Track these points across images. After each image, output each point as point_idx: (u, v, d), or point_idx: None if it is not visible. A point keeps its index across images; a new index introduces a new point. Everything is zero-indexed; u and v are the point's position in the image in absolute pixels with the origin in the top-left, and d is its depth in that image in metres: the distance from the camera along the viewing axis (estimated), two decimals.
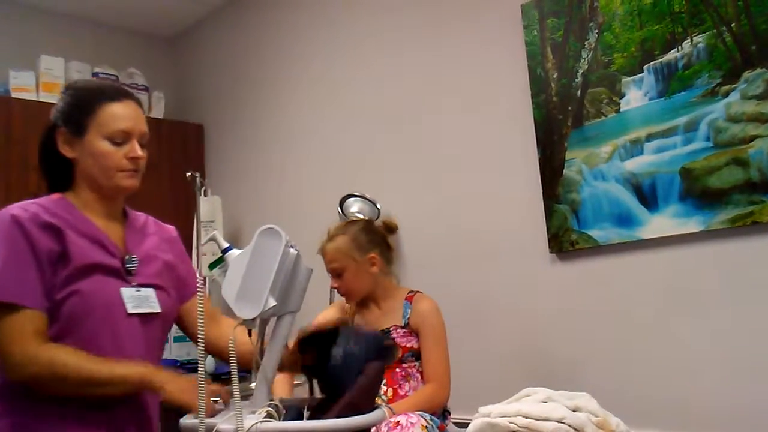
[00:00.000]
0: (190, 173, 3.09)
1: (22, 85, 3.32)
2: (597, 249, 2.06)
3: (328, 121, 3.08)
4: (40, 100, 3.33)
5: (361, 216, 2.45)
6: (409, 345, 1.98)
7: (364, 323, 2.05)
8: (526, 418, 1.51)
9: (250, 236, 1.18)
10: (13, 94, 3.29)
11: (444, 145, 2.56)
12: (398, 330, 2.00)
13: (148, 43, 4.11)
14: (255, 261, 1.14)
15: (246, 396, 1.14)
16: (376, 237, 2.09)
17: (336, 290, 2.08)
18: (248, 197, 3.47)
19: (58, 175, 1.51)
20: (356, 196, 2.66)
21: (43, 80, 3.38)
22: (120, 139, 1.45)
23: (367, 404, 1.18)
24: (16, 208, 1.40)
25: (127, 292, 1.44)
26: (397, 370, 1.96)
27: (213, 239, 1.18)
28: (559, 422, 1.47)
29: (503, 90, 2.36)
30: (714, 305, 1.82)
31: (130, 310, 1.42)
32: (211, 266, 1.09)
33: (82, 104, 1.47)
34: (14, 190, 3.17)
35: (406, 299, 2.05)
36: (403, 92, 2.73)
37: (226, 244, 1.22)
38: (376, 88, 2.85)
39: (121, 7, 3.74)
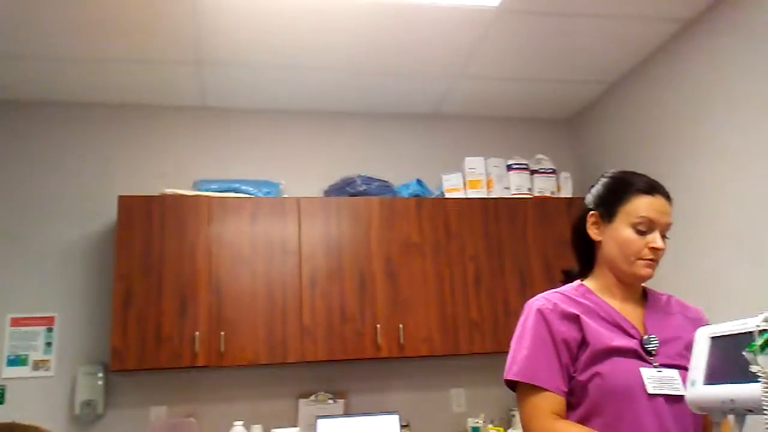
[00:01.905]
0: None
1: (453, 186, 3.85)
2: None
3: (750, 186, 2.87)
4: (468, 197, 3.83)
5: None
6: None
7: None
8: None
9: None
10: (447, 194, 3.83)
11: None
12: None
13: (550, 129, 4.42)
14: None
15: None
16: None
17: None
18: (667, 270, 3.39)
19: (585, 256, 1.67)
20: None
21: (468, 179, 3.87)
22: (644, 228, 1.54)
23: None
24: (541, 299, 1.59)
25: (647, 373, 1.47)
26: None
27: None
28: None
29: None
30: None
31: (651, 391, 1.44)
32: (757, 348, 0.97)
33: (617, 192, 1.60)
34: (457, 277, 3.66)
35: None
36: None
37: None
38: None
39: (523, 98, 4.11)
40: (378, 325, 3.47)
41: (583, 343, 1.51)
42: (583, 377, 1.49)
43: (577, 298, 1.59)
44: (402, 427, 3.45)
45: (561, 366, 1.50)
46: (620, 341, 1.51)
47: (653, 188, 1.57)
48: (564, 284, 1.69)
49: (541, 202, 3.88)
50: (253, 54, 3.38)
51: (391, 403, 3.65)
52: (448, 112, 4.22)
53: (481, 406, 3.77)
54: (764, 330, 1.03)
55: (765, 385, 1.00)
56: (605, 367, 1.47)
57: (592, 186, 1.69)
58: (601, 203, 1.61)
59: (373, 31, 3.20)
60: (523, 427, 1.53)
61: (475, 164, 3.91)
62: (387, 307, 3.53)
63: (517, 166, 3.96)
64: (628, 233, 1.54)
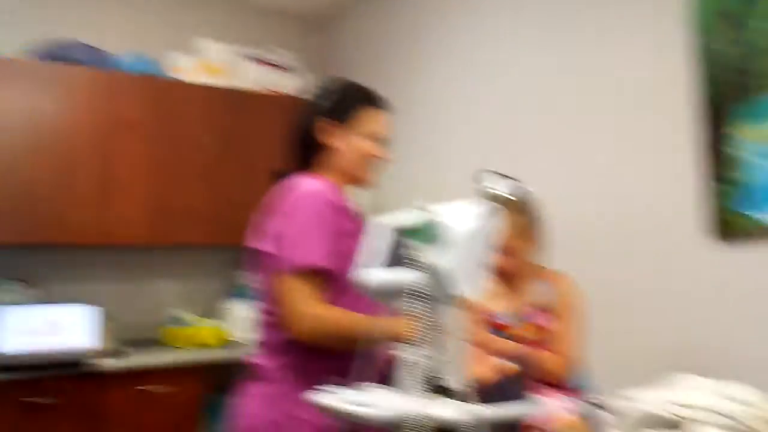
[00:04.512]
0: None
1: (183, 67, 3.54)
2: (764, 232, 1.92)
3: (473, 102, 3.07)
4: (200, 81, 3.56)
5: (510, 195, 2.41)
6: (547, 326, 1.94)
7: (499, 302, 2.03)
8: (683, 406, 1.45)
9: (387, 208, 1.17)
10: (176, 76, 3.52)
11: (591, 123, 2.48)
12: (535, 310, 1.96)
13: (299, 24, 4.25)
14: (477, 238, 1.09)
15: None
16: (540, 217, 2.06)
17: (496, 268, 2.03)
18: (391, 174, 3.53)
19: (306, 158, 1.70)
20: (504, 175, 2.62)
21: (202, 63, 3.60)
22: (377, 138, 1.68)
23: (521, 390, 1.16)
24: (318, 186, 1.59)
25: None
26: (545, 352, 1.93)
27: (429, 208, 1.07)
28: (724, 416, 1.40)
29: (658, 64, 2.24)
30: None
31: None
32: (416, 237, 0.98)
33: (355, 102, 1.69)
34: (180, 165, 3.43)
35: (544, 278, 2.00)
36: (552, 69, 2.67)
37: (442, 216, 1.10)
38: (524, 66, 2.80)
39: None
40: (79, 209, 3.14)
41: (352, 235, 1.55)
42: None
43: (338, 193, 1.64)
44: (104, 319, 3.21)
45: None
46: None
47: (385, 103, 1.72)
48: (275, 184, 1.70)
49: (279, 99, 3.76)
50: None
51: (92, 294, 3.36)
52: None
53: (191, 299, 3.66)
54: (427, 221, 1.05)
55: (422, 270, 1.01)
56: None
57: (323, 91, 1.72)
58: (337, 111, 1.67)
59: None
60: (300, 308, 1.52)
61: (210, 48, 3.64)
62: (92, 190, 3.20)
63: (258, 57, 3.77)
64: (363, 143, 1.66)
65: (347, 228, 1.57)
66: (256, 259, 1.66)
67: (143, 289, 3.62)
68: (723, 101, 2.03)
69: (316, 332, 1.49)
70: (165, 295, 3.65)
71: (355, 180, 1.70)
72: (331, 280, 1.54)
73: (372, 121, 1.69)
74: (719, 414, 1.39)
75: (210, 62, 3.61)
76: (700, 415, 1.40)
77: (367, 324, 1.34)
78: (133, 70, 3.40)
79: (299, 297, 1.50)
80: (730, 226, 2.00)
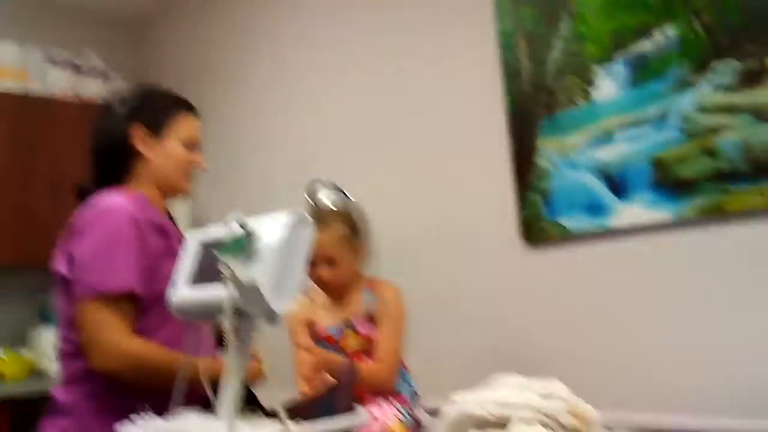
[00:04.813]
0: None
1: None
2: (568, 237, 2.06)
3: (294, 110, 3.04)
4: None
5: (330, 205, 2.40)
6: (372, 335, 1.95)
7: (326, 314, 2.01)
8: (499, 405, 1.50)
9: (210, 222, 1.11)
10: None
11: (413, 132, 2.54)
12: (359, 320, 1.96)
13: (108, 27, 3.98)
14: (288, 250, 1.02)
15: None
16: (364, 226, 2.05)
17: (319, 280, 1.99)
18: (212, 184, 3.40)
19: (112, 168, 1.58)
20: (324, 184, 2.60)
21: None
22: (190, 145, 1.61)
23: (346, 403, 1.14)
24: (123, 202, 1.45)
25: None
26: (364, 360, 1.93)
27: (239, 220, 1.00)
28: (531, 409, 1.46)
29: (475, 79, 2.34)
30: (683, 293, 1.84)
31: None
32: (226, 251, 0.88)
33: (166, 108, 1.60)
34: None
35: (367, 287, 2.01)
36: (370, 79, 2.70)
37: (252, 228, 1.03)
38: (344, 73, 2.82)
39: None
40: None
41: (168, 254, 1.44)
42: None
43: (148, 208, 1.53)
44: None
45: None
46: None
47: (194, 108, 1.65)
48: (79, 200, 1.54)
49: (87, 106, 3.49)
50: None
51: None
52: None
53: None
54: (234, 234, 0.99)
55: (230, 285, 0.95)
56: None
57: (132, 96, 1.62)
58: (149, 117, 1.57)
59: None
60: (102, 338, 1.38)
61: (5, 49, 3.30)
62: None
63: (62, 60, 3.48)
64: (180, 150, 1.59)
65: (159, 246, 1.45)
66: (57, 283, 1.49)
67: None
68: (530, 115, 2.15)
69: (120, 366, 1.36)
70: None
71: (173, 190, 1.62)
72: (146, 306, 1.41)
73: (187, 127, 1.61)
74: (539, 411, 1.45)
75: (6, 65, 3.27)
76: (520, 413, 1.45)
77: (180, 363, 1.21)
78: None
79: (102, 326, 1.36)
80: (538, 231, 2.12)
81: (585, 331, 2.04)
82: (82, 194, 1.58)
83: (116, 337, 1.36)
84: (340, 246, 1.95)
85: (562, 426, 1.42)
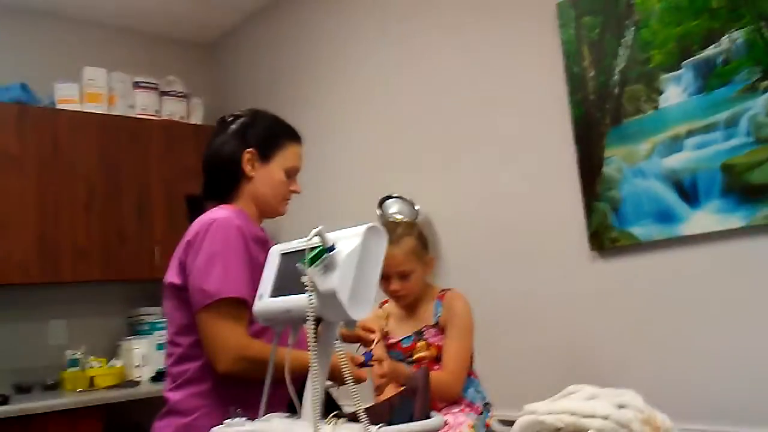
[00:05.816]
0: None
1: (67, 97, 3.42)
2: (638, 246, 2.06)
3: (366, 122, 3.12)
4: (85, 110, 3.44)
5: (401, 217, 2.47)
6: (442, 344, 2.00)
7: (399, 325, 2.07)
8: (572, 415, 1.52)
9: (288, 235, 1.17)
10: (59, 106, 3.39)
11: (483, 144, 2.58)
12: (430, 330, 2.02)
13: (186, 51, 4.20)
14: (363, 260, 1.09)
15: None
16: (427, 238, 2.12)
17: (392, 293, 2.08)
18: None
19: (222, 186, 1.70)
20: (395, 197, 2.68)
21: (87, 91, 3.48)
22: (292, 173, 1.73)
23: (422, 408, 1.19)
24: (231, 216, 1.57)
25: None
26: (435, 367, 1.98)
27: (319, 234, 1.06)
28: (604, 419, 1.48)
29: (541, 89, 2.37)
30: (757, 301, 1.82)
31: None
32: (309, 263, 0.98)
33: (278, 136, 1.72)
34: (63, 198, 3.29)
35: (437, 298, 2.06)
36: (440, 93, 2.76)
37: (331, 241, 1.11)
38: (414, 88, 2.88)
39: (159, 16, 3.83)
40: None
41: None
42: None
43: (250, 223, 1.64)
44: None
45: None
46: None
47: (300, 137, 1.76)
48: (189, 209, 1.71)
49: (169, 126, 3.69)
50: None
51: None
52: (69, 13, 3.72)
53: (83, 337, 3.48)
54: (314, 246, 1.06)
55: (310, 293, 1.03)
56: None
57: (250, 122, 1.73)
58: (260, 143, 1.69)
59: None
60: (226, 343, 1.48)
61: (95, 75, 3.52)
62: None
63: (145, 84, 3.69)
64: (281, 176, 1.70)
65: (260, 258, 1.52)
66: (168, 291, 1.62)
67: (36, 330, 3.43)
68: (596, 124, 2.17)
69: (243, 367, 1.46)
70: (60, 335, 3.48)
71: (270, 211, 1.73)
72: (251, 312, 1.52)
73: (292, 156, 1.73)
74: (613, 421, 1.47)
75: (97, 90, 3.49)
76: (594, 423, 1.47)
77: (285, 356, 1.25)
78: (10, 101, 3.24)
79: (224, 331, 1.47)
80: (608, 241, 2.13)
81: (656, 340, 2.03)
82: (191, 204, 1.73)
83: (237, 341, 1.47)
84: (410, 259, 2.02)
85: None
